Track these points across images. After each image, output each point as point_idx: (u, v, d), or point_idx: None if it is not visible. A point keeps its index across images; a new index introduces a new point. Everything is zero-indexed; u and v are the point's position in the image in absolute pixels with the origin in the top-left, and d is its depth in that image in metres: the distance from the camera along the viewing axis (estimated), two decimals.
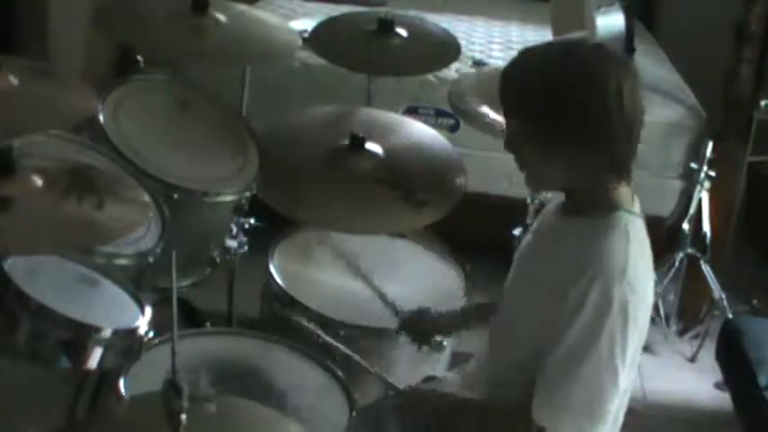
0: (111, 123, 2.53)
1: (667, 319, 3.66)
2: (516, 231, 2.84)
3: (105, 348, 1.96)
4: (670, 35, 4.92)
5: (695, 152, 3.68)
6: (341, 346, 2.25)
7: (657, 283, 3.49)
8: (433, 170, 2.61)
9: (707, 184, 3.54)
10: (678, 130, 3.79)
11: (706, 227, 3.60)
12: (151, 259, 2.30)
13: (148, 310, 2.09)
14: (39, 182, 1.90)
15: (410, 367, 2.44)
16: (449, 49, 3.01)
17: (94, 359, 1.96)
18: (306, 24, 3.53)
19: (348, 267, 2.54)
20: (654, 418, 3.19)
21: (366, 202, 2.48)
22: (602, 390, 1.76)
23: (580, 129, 1.76)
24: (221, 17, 2.69)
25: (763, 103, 3.61)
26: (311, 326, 2.31)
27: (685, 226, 3.59)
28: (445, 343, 2.50)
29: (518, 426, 1.81)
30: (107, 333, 1.97)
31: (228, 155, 2.66)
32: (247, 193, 2.59)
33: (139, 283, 2.26)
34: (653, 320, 3.45)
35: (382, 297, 2.41)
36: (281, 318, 2.41)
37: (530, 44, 1.92)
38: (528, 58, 1.84)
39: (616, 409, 1.81)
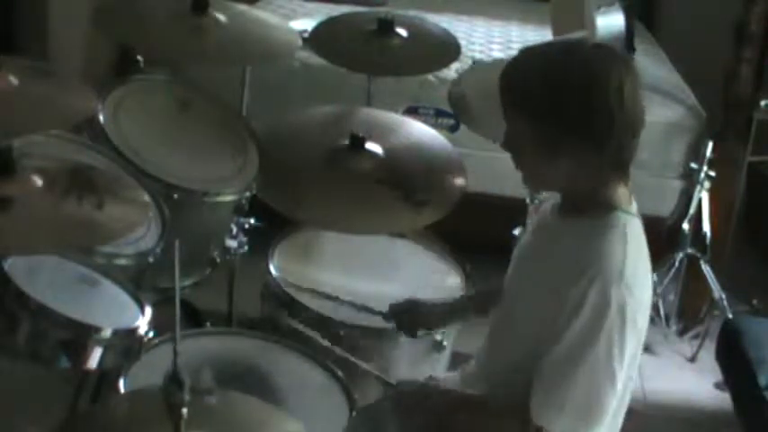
0: (111, 123, 2.53)
1: (667, 319, 3.66)
2: (516, 231, 2.83)
3: (105, 348, 1.96)
4: (670, 35, 4.92)
5: (695, 152, 3.69)
6: (337, 349, 2.24)
7: (657, 283, 3.50)
8: (433, 170, 2.61)
9: (707, 184, 3.54)
10: (678, 130, 3.79)
11: (706, 227, 3.60)
12: (151, 259, 2.30)
13: (148, 310, 2.09)
14: (39, 182, 1.90)
15: (410, 367, 2.44)
16: (449, 49, 3.01)
17: (94, 359, 1.96)
18: (306, 24, 3.53)
19: (348, 267, 2.54)
20: (654, 418, 3.19)
21: (366, 202, 2.48)
22: (599, 391, 1.76)
23: (582, 128, 1.76)
24: (221, 17, 2.68)
25: (763, 103, 3.61)
26: (308, 331, 2.31)
27: (685, 226, 3.59)
28: (445, 343, 2.51)
29: (516, 425, 1.81)
30: (107, 333, 1.97)
31: (228, 155, 2.66)
32: (247, 193, 2.59)
33: (139, 283, 2.26)
34: (653, 320, 3.47)
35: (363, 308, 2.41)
36: (281, 323, 2.42)
37: (530, 44, 1.92)
38: (529, 58, 1.84)
39: (615, 410, 1.81)
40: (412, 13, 3.57)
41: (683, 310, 3.72)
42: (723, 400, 3.18)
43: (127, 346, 2.01)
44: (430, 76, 3.68)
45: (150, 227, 2.34)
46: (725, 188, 3.67)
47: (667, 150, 3.78)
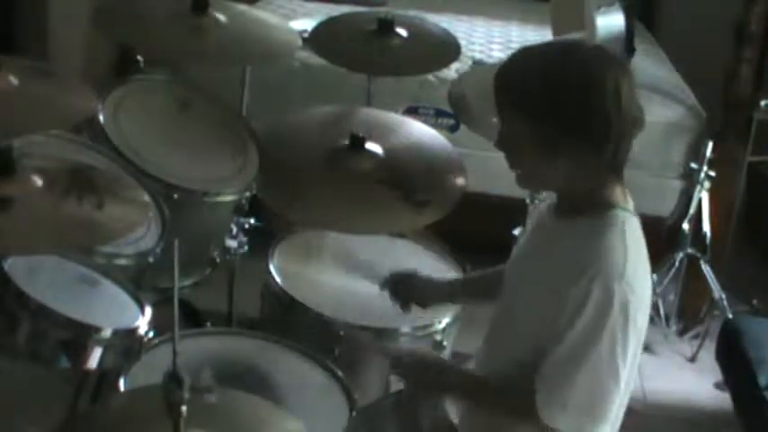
0: (111, 123, 2.53)
1: (667, 319, 3.66)
2: (516, 231, 2.83)
3: (105, 348, 1.97)
4: (670, 35, 4.92)
5: (695, 152, 3.69)
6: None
7: (657, 283, 3.50)
8: (433, 170, 2.61)
9: (707, 184, 3.54)
10: (678, 130, 3.79)
11: (706, 227, 3.60)
12: (151, 259, 2.30)
13: (148, 310, 2.09)
14: (39, 182, 1.90)
15: None
16: (449, 49, 3.01)
17: (94, 359, 1.96)
18: (306, 24, 3.53)
19: (348, 267, 2.54)
20: (654, 418, 3.19)
21: (366, 202, 2.48)
22: (603, 389, 1.76)
23: (580, 129, 1.77)
24: (221, 17, 2.68)
25: (763, 103, 3.61)
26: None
27: (685, 226, 3.59)
28: (445, 343, 2.51)
29: (523, 414, 1.82)
30: (107, 333, 1.97)
31: (228, 155, 2.66)
32: (247, 193, 2.59)
33: (139, 283, 2.26)
34: (653, 320, 3.47)
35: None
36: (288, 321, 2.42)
37: (529, 44, 1.93)
38: (527, 58, 1.84)
39: (616, 409, 1.82)
40: (412, 13, 3.57)
41: (683, 310, 3.72)
42: (723, 400, 3.18)
43: (127, 346, 2.02)
44: (430, 76, 3.68)
45: (150, 227, 2.34)
46: (725, 188, 3.67)
47: (667, 150, 3.78)
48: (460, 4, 4.81)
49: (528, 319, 1.87)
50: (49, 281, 2.01)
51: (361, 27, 2.93)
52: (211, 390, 1.54)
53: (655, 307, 3.54)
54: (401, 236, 2.78)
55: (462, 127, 3.28)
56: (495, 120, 1.91)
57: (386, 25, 2.88)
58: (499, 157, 1.89)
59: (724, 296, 3.52)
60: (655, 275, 3.41)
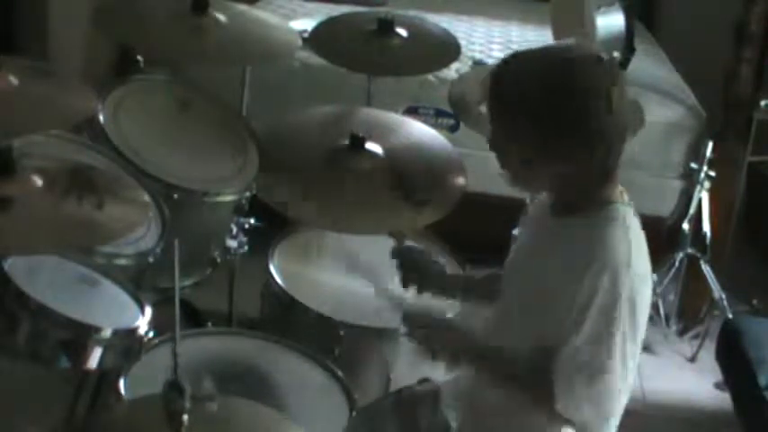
0: (111, 123, 2.53)
1: (667, 319, 3.66)
2: (516, 231, 2.83)
3: (105, 348, 1.97)
4: (670, 35, 4.91)
5: (695, 152, 3.68)
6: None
7: (657, 283, 3.49)
8: (433, 170, 2.61)
9: (707, 184, 3.54)
10: (678, 130, 3.79)
11: (706, 227, 3.60)
12: (151, 259, 2.30)
13: (148, 310, 2.09)
14: (39, 182, 1.89)
15: (410, 367, 2.44)
16: (449, 49, 3.01)
17: (94, 359, 1.96)
18: (306, 24, 3.52)
19: (348, 267, 2.53)
20: (654, 418, 3.19)
21: (366, 202, 2.48)
22: (614, 381, 1.78)
23: (570, 134, 1.78)
24: (221, 17, 2.68)
25: (763, 103, 3.61)
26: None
27: (685, 226, 3.59)
28: None
29: (537, 395, 1.83)
30: (107, 333, 1.97)
31: (228, 155, 2.65)
32: (247, 193, 2.59)
33: (139, 283, 2.26)
34: (653, 320, 3.47)
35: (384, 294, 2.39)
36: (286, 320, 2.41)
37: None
38: (519, 63, 1.86)
39: (623, 401, 1.84)
40: (412, 13, 3.57)
41: (683, 310, 3.72)
42: (723, 400, 3.18)
43: (127, 346, 2.02)
44: (430, 76, 3.68)
45: (150, 227, 2.34)
46: (725, 188, 3.67)
47: (667, 150, 3.78)
48: (460, 4, 4.80)
49: (528, 321, 1.87)
50: (49, 281, 2.01)
51: (361, 27, 2.93)
52: (212, 398, 1.54)
53: (655, 307, 3.54)
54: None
55: (462, 127, 3.28)
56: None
57: (386, 25, 2.88)
58: None
59: (724, 296, 3.52)
60: (655, 275, 3.40)
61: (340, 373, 2.20)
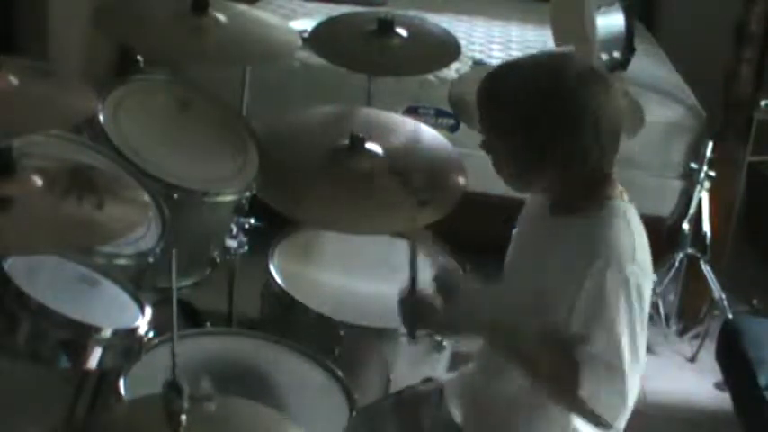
0: (111, 123, 2.53)
1: (667, 319, 3.66)
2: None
3: (105, 348, 1.97)
4: (670, 35, 4.91)
5: (695, 152, 3.68)
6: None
7: (657, 283, 3.49)
8: (433, 170, 2.61)
9: (707, 184, 3.54)
10: (678, 130, 3.79)
11: (706, 227, 3.60)
12: (151, 259, 2.30)
13: (148, 310, 2.09)
14: (39, 182, 1.89)
15: (410, 367, 2.44)
16: (449, 49, 3.01)
17: (94, 359, 1.96)
18: (306, 24, 3.52)
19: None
20: (654, 418, 3.19)
21: (366, 202, 2.48)
22: (628, 372, 1.78)
23: (569, 138, 1.80)
24: (221, 17, 2.68)
25: (763, 103, 3.61)
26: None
27: (685, 226, 3.59)
28: (445, 343, 2.50)
29: (566, 385, 1.81)
30: (107, 333, 1.97)
31: (228, 155, 2.65)
32: (247, 193, 2.59)
33: (139, 283, 2.26)
34: (653, 320, 3.47)
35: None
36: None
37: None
38: (512, 70, 1.88)
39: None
40: (412, 13, 3.57)
41: (683, 310, 3.72)
42: (723, 400, 3.17)
43: (127, 346, 2.02)
44: (430, 76, 3.68)
45: (150, 227, 2.34)
46: (725, 188, 3.67)
47: (667, 150, 3.78)
48: (460, 4, 4.80)
49: (530, 319, 1.87)
50: (49, 281, 2.01)
51: (361, 27, 2.93)
52: (211, 398, 1.54)
53: (655, 307, 3.54)
54: (401, 236, 2.78)
55: (462, 127, 3.28)
56: None
57: (386, 25, 2.88)
58: None
59: (724, 296, 3.52)
60: (655, 275, 3.40)
61: (340, 373, 2.20)
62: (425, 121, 3.09)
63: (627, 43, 3.87)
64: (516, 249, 2.06)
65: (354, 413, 2.09)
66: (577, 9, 3.75)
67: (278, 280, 2.52)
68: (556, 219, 1.92)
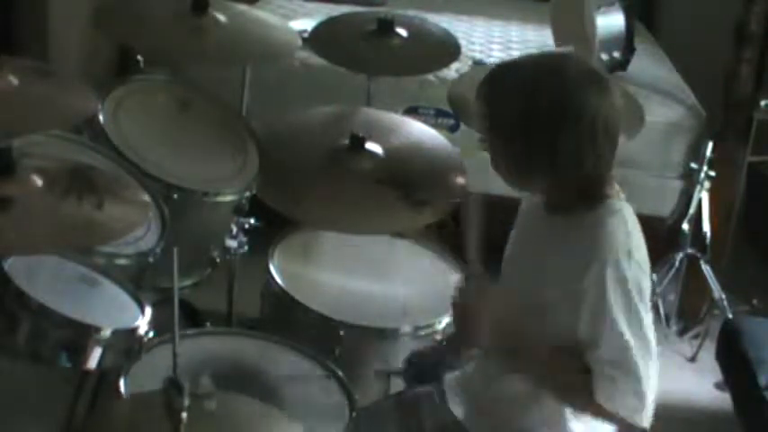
0: (111, 123, 2.53)
1: (667, 319, 3.66)
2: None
3: (105, 348, 1.97)
4: (670, 35, 4.91)
5: (695, 152, 3.68)
6: None
7: (657, 283, 3.49)
8: (433, 170, 2.61)
9: (707, 184, 3.54)
10: (678, 130, 3.79)
11: (706, 227, 3.60)
12: (151, 259, 2.30)
13: (148, 310, 2.09)
14: (39, 182, 1.90)
15: None
16: (449, 49, 3.01)
17: (94, 359, 1.96)
18: (306, 24, 3.53)
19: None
20: (654, 417, 3.19)
21: (366, 202, 2.48)
22: (642, 367, 1.77)
23: (565, 142, 1.79)
24: (221, 17, 2.69)
25: (763, 103, 3.61)
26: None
27: (685, 226, 3.58)
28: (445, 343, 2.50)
29: (576, 382, 1.81)
30: (107, 333, 1.97)
31: (228, 155, 2.66)
32: (247, 193, 2.59)
33: (139, 283, 2.26)
34: (653, 320, 3.46)
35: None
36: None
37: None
38: (509, 71, 1.88)
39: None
40: (412, 13, 3.57)
41: (683, 310, 3.71)
42: (723, 400, 3.17)
43: (127, 346, 2.02)
44: (430, 76, 3.68)
45: (150, 227, 2.35)
46: (725, 188, 3.67)
47: (667, 150, 3.77)
48: (460, 4, 4.80)
49: (531, 318, 1.87)
50: (49, 281, 2.02)
51: (361, 27, 2.93)
52: (212, 396, 1.54)
53: (655, 307, 3.53)
54: (401, 236, 2.78)
55: (462, 127, 3.28)
56: None
57: (386, 25, 2.88)
58: None
59: (724, 296, 3.51)
60: (655, 275, 3.40)
61: (340, 373, 2.20)
62: (425, 121, 3.08)
63: (627, 43, 3.87)
64: (514, 249, 2.06)
65: (354, 413, 2.09)
66: (577, 9, 3.76)
67: (278, 280, 2.52)
68: (552, 218, 1.92)
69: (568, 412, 1.91)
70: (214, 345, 2.26)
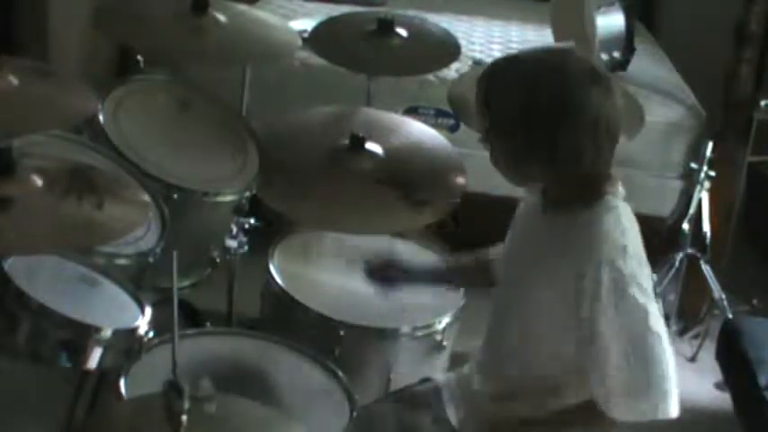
0: (111, 123, 2.53)
1: (667, 319, 3.65)
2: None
3: (105, 348, 1.97)
4: (670, 35, 4.91)
5: (695, 152, 3.68)
6: None
7: (657, 283, 3.49)
8: (433, 170, 2.61)
9: (707, 184, 3.54)
10: (678, 130, 3.79)
11: (706, 227, 3.60)
12: (151, 259, 2.30)
13: (148, 310, 2.09)
14: (39, 182, 1.89)
15: (410, 367, 2.44)
16: (449, 49, 3.01)
17: (94, 359, 1.96)
18: (306, 24, 3.53)
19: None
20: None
21: (366, 202, 2.48)
22: (654, 361, 1.82)
23: (564, 139, 1.80)
24: (221, 17, 2.69)
25: (763, 103, 3.61)
26: None
27: (685, 226, 3.58)
28: (445, 343, 2.51)
29: (594, 416, 1.82)
30: (107, 333, 1.97)
31: (228, 155, 2.66)
32: (247, 193, 2.59)
33: (139, 283, 2.26)
34: None
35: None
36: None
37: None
38: (510, 66, 1.88)
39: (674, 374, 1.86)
40: (412, 13, 3.57)
41: (682, 310, 3.71)
42: (723, 400, 3.17)
43: (127, 346, 2.02)
44: (430, 76, 3.68)
45: (150, 227, 2.35)
46: (725, 188, 3.67)
47: (667, 150, 3.78)
48: (460, 4, 4.80)
49: (537, 320, 1.88)
50: (49, 281, 2.01)
51: (361, 27, 2.93)
52: (211, 398, 1.53)
53: None
54: (401, 236, 2.78)
55: (462, 127, 3.28)
56: None
57: (386, 25, 2.89)
58: None
59: (724, 296, 3.51)
60: (655, 275, 3.40)
61: (340, 373, 2.20)
62: (425, 121, 3.08)
63: (627, 43, 3.87)
64: (511, 251, 2.06)
65: (354, 413, 2.09)
66: (577, 9, 3.75)
67: (278, 280, 2.52)
68: (549, 218, 1.92)
69: None
70: (214, 345, 2.26)
